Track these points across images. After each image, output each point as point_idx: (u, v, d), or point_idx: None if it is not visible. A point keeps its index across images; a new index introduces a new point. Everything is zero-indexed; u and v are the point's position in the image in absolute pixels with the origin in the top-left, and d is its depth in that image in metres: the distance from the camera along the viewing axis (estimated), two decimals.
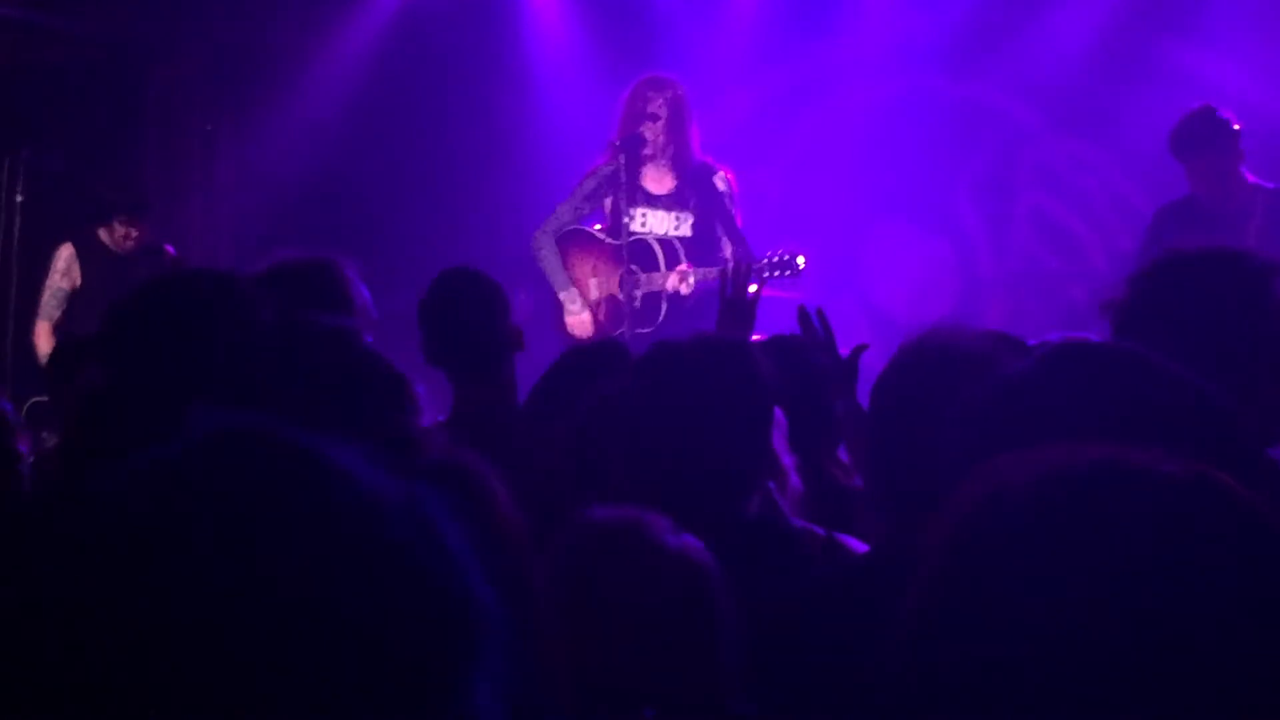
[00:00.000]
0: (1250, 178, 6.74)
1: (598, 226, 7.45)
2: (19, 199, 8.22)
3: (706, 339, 2.93)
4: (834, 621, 2.35)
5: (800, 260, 6.77)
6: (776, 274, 6.78)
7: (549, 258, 7.37)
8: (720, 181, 7.27)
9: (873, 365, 2.81)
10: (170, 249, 7.87)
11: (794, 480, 3.18)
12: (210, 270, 3.24)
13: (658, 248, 7.17)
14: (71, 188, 8.56)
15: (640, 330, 7.01)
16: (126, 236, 7.83)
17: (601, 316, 7.33)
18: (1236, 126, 6.64)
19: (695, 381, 2.73)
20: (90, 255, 7.80)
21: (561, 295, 7.36)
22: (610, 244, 7.30)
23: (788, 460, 3.20)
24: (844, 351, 3.91)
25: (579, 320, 7.32)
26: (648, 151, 7.20)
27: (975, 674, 1.05)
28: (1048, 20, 8.82)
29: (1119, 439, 1.12)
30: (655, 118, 7.18)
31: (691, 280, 7.02)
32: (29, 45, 9.29)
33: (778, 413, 3.12)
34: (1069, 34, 8.76)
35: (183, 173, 9.70)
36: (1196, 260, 2.71)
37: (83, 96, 9.65)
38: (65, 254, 7.88)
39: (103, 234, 7.87)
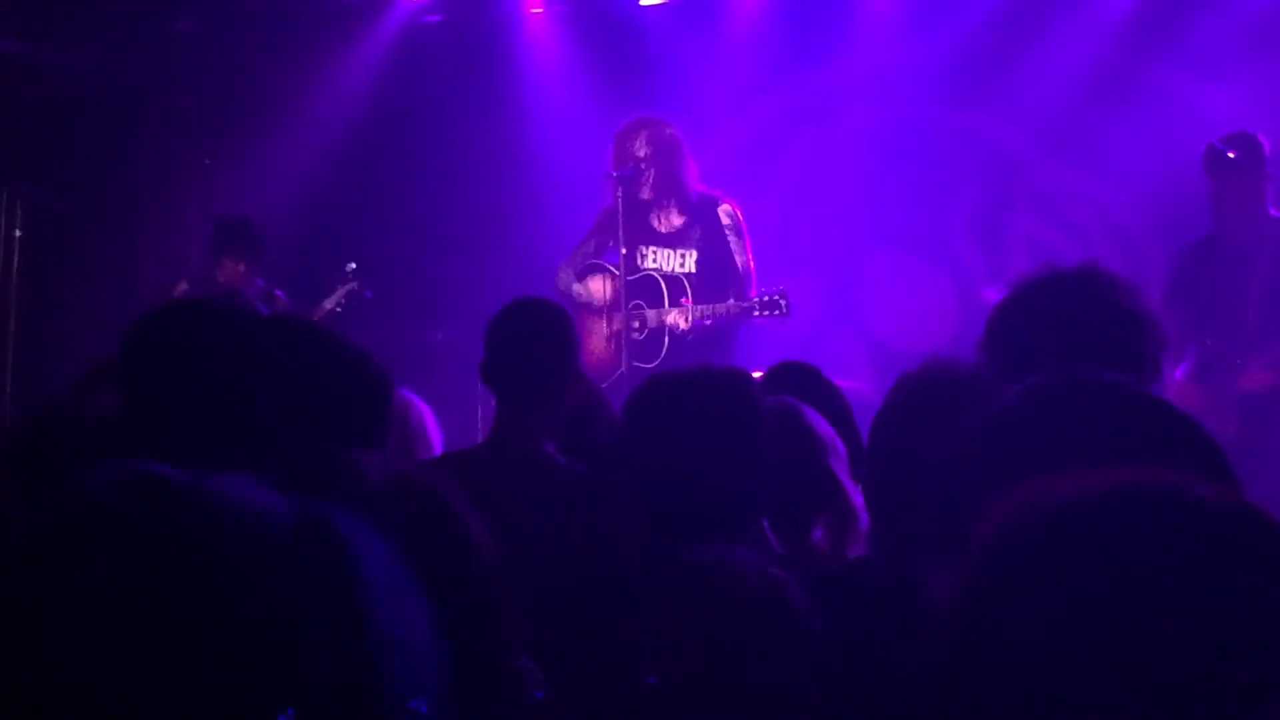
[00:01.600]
0: (1275, 211, 6.78)
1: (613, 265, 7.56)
2: (18, 234, 8.24)
3: (702, 371, 2.93)
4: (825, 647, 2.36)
5: (786, 300, 7.03)
6: (766, 313, 7.06)
7: (568, 284, 7.53)
8: (725, 214, 7.36)
9: (871, 395, 2.82)
10: (281, 294, 7.92)
11: (862, 515, 3.09)
12: (215, 299, 3.26)
13: (663, 284, 7.31)
14: (70, 223, 8.60)
15: (644, 365, 7.13)
16: (237, 275, 7.96)
17: (614, 350, 7.41)
18: (1268, 155, 6.71)
19: (691, 412, 2.73)
20: (200, 291, 7.84)
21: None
22: (621, 281, 7.39)
23: (856, 496, 3.10)
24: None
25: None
26: (645, 195, 7.33)
27: (1009, 696, 1.05)
28: (1042, 49, 8.85)
29: (1108, 467, 1.12)
30: (643, 159, 7.29)
31: (690, 317, 7.15)
32: (27, 79, 9.32)
33: (841, 445, 3.12)
34: (1063, 62, 8.79)
35: (180, 207, 9.72)
36: (1039, 286, 2.86)
37: (81, 131, 9.68)
38: (182, 289, 8.01)
39: (219, 274, 7.98)
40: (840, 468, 3.07)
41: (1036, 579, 1.06)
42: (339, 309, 8.24)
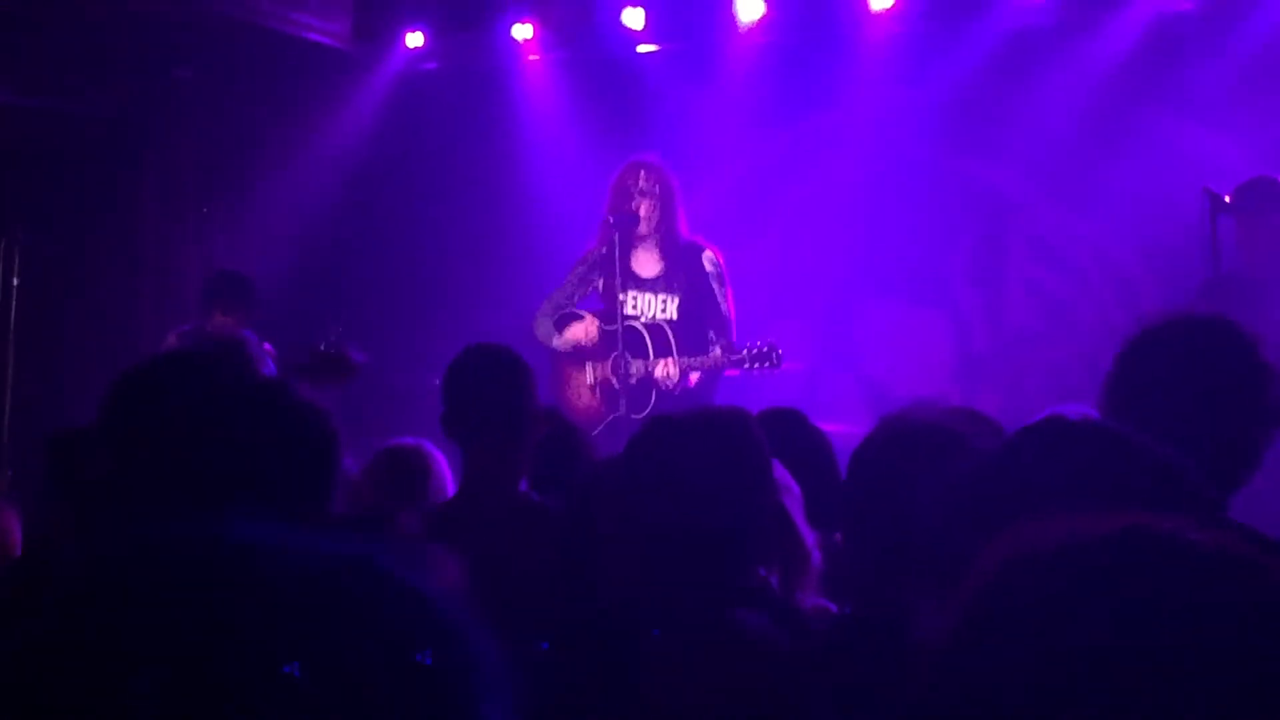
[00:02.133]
0: None
1: (591, 313, 7.52)
2: (15, 282, 8.25)
3: (704, 412, 2.93)
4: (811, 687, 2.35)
5: (778, 353, 7.02)
6: (756, 365, 7.04)
7: (548, 341, 7.45)
8: (708, 262, 7.34)
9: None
10: (269, 346, 7.95)
11: (815, 557, 3.11)
12: (195, 353, 3.28)
13: (646, 335, 7.26)
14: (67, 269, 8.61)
15: (634, 415, 7.11)
16: (226, 329, 7.98)
17: (597, 401, 7.38)
18: None
19: (692, 453, 2.73)
20: (191, 343, 7.85)
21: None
22: (603, 328, 7.36)
23: (810, 537, 3.12)
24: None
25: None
26: (640, 231, 7.30)
27: None
28: (1038, 93, 8.88)
29: (1090, 510, 1.12)
30: (646, 194, 7.28)
31: (674, 372, 7.13)
32: (25, 127, 9.36)
33: (795, 487, 3.11)
34: (1059, 106, 8.82)
35: (179, 254, 9.74)
36: (1169, 330, 2.98)
37: (79, 178, 9.71)
38: (169, 342, 8.04)
39: (209, 326, 8.03)
40: (795, 509, 3.07)
41: (1026, 623, 1.06)
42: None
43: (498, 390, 3.96)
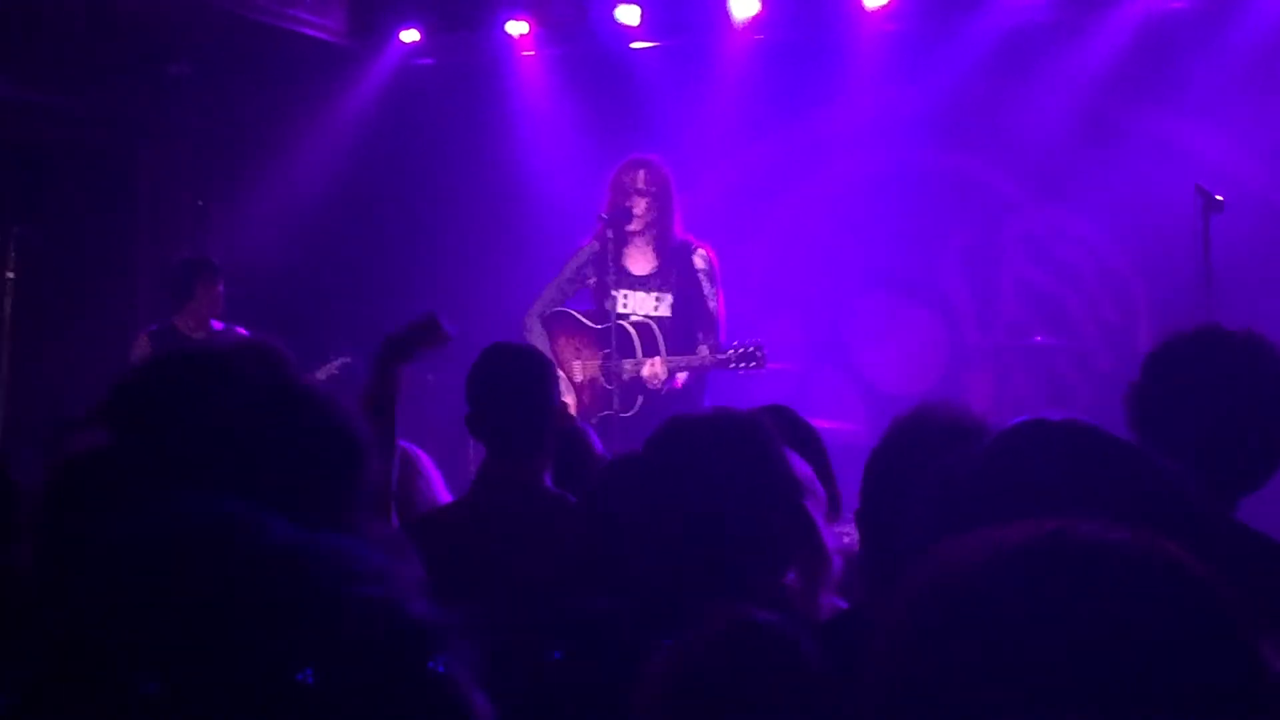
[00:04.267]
0: None
1: (580, 312, 7.53)
2: (10, 275, 8.25)
3: (720, 414, 2.94)
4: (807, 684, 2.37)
5: (762, 353, 7.02)
6: (742, 365, 7.05)
7: (537, 340, 7.43)
8: (700, 259, 7.34)
9: (863, 436, 2.85)
10: (241, 329, 7.95)
11: (837, 561, 3.11)
12: (208, 349, 3.28)
13: (635, 334, 7.26)
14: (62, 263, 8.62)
15: (623, 414, 7.11)
16: (201, 316, 8.04)
17: (586, 399, 7.40)
18: None
19: (709, 455, 2.74)
20: (165, 344, 7.86)
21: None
22: (592, 328, 7.38)
23: (832, 540, 3.12)
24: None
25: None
26: (633, 228, 7.30)
27: None
28: (1032, 91, 8.91)
29: (1073, 509, 1.14)
30: (643, 193, 7.28)
31: (661, 373, 7.14)
32: (20, 122, 9.36)
33: (820, 490, 3.14)
34: (1053, 105, 8.84)
35: (174, 248, 9.74)
36: (1198, 340, 3.00)
37: (75, 173, 9.71)
38: (141, 343, 8.06)
39: (179, 321, 8.07)
40: (816, 510, 3.09)
41: (952, 632, 1.10)
42: (331, 377, 8.29)
43: (526, 391, 3.97)
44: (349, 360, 8.31)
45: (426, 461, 4.44)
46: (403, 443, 4.16)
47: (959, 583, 1.10)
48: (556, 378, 4.12)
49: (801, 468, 3.10)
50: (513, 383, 3.99)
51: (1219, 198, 6.71)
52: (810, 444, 3.59)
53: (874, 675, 1.13)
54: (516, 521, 3.76)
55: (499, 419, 3.96)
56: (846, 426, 7.45)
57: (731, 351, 7.07)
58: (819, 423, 3.99)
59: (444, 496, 4.36)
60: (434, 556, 3.51)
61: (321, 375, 8.29)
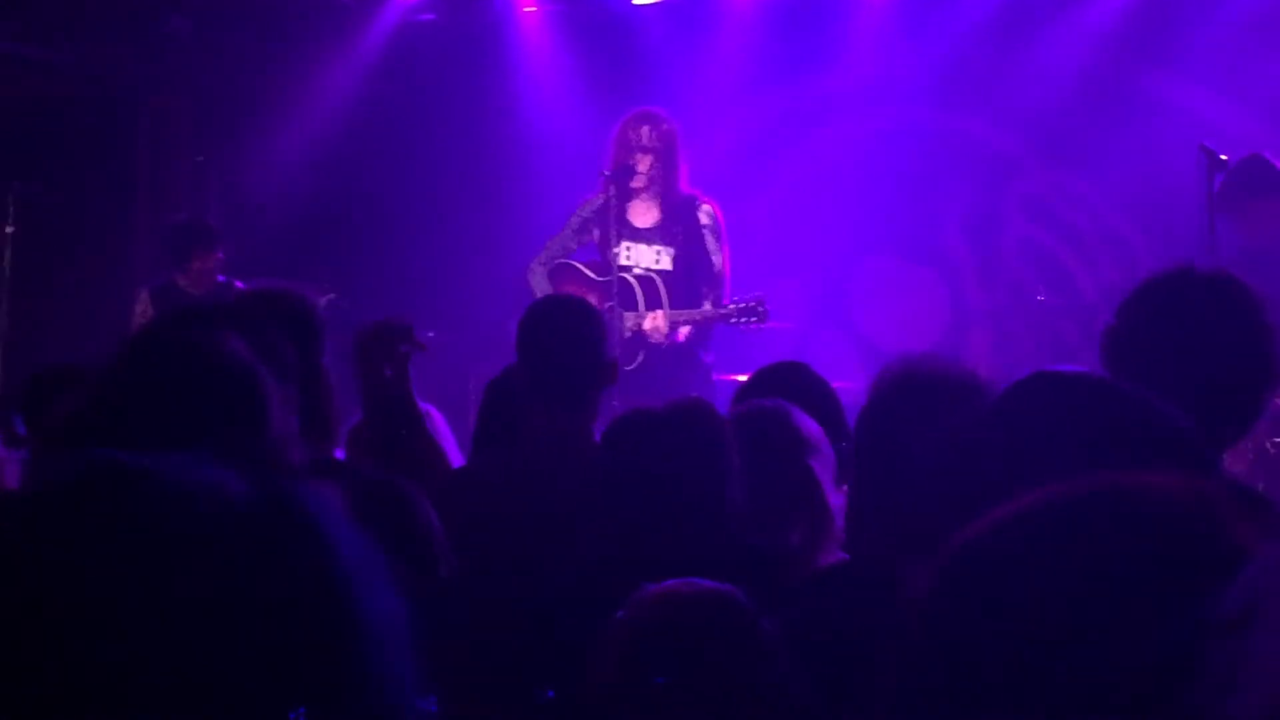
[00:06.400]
0: None
1: (584, 264, 7.51)
2: (9, 230, 8.24)
3: (674, 408, 3.04)
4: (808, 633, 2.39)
5: (764, 308, 7.00)
6: (743, 320, 7.03)
7: (541, 290, 7.41)
8: (704, 215, 7.31)
9: (864, 394, 2.84)
10: (239, 284, 7.94)
11: (838, 519, 3.10)
12: (194, 308, 3.29)
13: (637, 286, 7.24)
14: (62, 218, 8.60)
15: (625, 368, 7.09)
16: (201, 277, 8.04)
17: None
18: None
19: (665, 447, 2.92)
20: (166, 300, 7.85)
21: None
22: (596, 280, 7.35)
23: (835, 499, 3.13)
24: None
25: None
26: (637, 184, 7.28)
27: (972, 694, 1.06)
28: (1035, 53, 8.87)
29: (1086, 462, 1.14)
30: (647, 149, 7.26)
31: (663, 326, 7.12)
32: (20, 78, 9.33)
33: (828, 449, 3.15)
34: (1056, 66, 8.81)
35: (173, 204, 9.73)
36: (1176, 283, 2.94)
37: (74, 128, 9.68)
38: (142, 299, 8.05)
39: (179, 278, 8.07)
40: (823, 470, 3.09)
41: (995, 583, 1.09)
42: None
43: (575, 341, 3.91)
44: (334, 297, 8.27)
45: (439, 419, 4.41)
46: (423, 404, 4.13)
47: (999, 537, 1.10)
48: (605, 332, 4.03)
49: (811, 427, 3.10)
50: (570, 335, 3.92)
51: (1223, 157, 6.69)
52: (824, 402, 3.58)
53: (919, 627, 1.12)
54: (569, 474, 3.69)
55: (554, 372, 3.89)
56: (847, 385, 7.44)
57: (733, 306, 7.07)
58: None
59: (456, 458, 4.32)
60: (478, 515, 3.50)
61: None
